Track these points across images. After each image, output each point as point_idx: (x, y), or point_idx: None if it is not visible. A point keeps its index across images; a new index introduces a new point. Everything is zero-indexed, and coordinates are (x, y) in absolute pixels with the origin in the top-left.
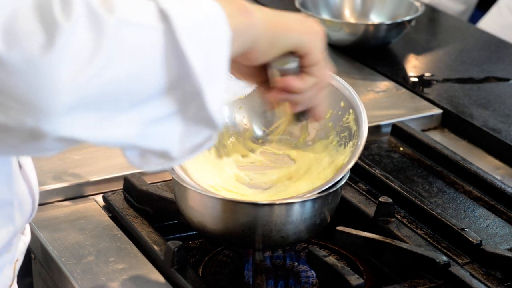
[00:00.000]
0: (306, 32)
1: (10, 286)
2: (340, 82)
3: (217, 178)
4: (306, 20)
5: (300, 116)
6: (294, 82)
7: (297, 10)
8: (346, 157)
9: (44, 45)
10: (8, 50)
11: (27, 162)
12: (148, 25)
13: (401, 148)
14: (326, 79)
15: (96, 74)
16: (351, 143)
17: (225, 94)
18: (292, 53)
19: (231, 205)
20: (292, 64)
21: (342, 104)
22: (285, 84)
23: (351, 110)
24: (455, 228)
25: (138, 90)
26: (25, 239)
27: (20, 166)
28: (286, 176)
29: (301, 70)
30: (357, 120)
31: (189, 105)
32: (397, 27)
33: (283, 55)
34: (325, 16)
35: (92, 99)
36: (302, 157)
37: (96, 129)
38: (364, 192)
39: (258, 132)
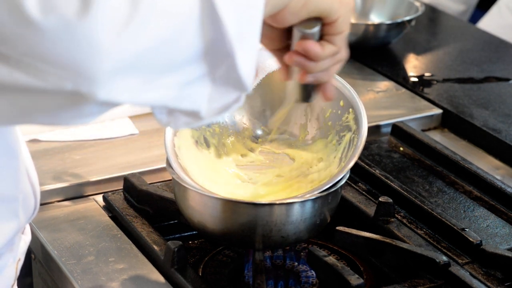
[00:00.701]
0: (338, 0)
1: (12, 286)
2: (340, 82)
3: (217, 178)
4: None
5: (309, 93)
6: (314, 46)
7: None
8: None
9: (80, 10)
10: (44, 15)
11: (28, 161)
12: None
13: (401, 148)
14: (345, 51)
15: (134, 37)
16: (347, 136)
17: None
18: (316, 18)
19: (231, 205)
20: (315, 29)
21: (341, 103)
22: (305, 47)
23: (350, 110)
24: (455, 228)
25: (175, 53)
26: (26, 239)
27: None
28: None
29: (323, 37)
30: (356, 119)
31: (220, 67)
32: (397, 27)
33: (308, 19)
34: None
35: (131, 63)
36: (301, 156)
37: (136, 92)
38: (364, 192)
39: (258, 131)
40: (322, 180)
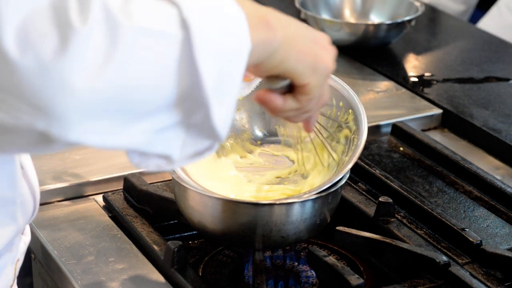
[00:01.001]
0: (313, 67)
1: (11, 286)
2: (339, 83)
3: (216, 179)
4: (325, 52)
5: None
6: (274, 100)
7: (297, 10)
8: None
9: (58, 50)
10: (21, 53)
11: (28, 162)
12: (166, 33)
13: (401, 148)
14: (310, 107)
15: (109, 81)
16: (343, 133)
17: (234, 108)
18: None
19: (231, 205)
20: (280, 85)
21: (341, 104)
22: (265, 98)
23: (350, 110)
24: (455, 228)
25: (149, 99)
26: (26, 239)
27: (21, 166)
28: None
29: (291, 91)
30: (356, 120)
31: (194, 115)
32: (397, 27)
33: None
34: (325, 16)
35: (104, 106)
36: (300, 157)
37: (107, 136)
38: (364, 192)
39: (257, 133)
40: (322, 181)
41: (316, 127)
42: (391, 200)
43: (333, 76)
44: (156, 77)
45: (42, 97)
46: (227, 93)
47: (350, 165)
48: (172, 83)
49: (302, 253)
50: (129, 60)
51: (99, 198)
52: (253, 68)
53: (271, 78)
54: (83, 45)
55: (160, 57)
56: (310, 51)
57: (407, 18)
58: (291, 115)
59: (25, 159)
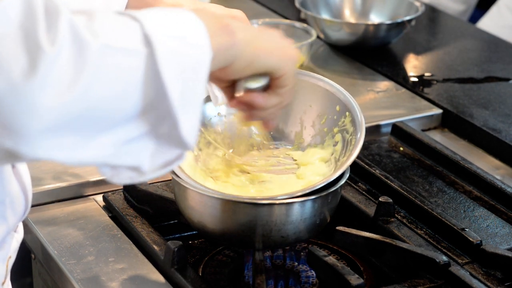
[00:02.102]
0: (283, 57)
1: (3, 283)
2: (334, 86)
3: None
4: (285, 44)
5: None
6: (258, 99)
7: (297, 10)
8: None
9: (26, 71)
10: None
11: None
12: (131, 49)
13: (401, 148)
14: (289, 99)
15: (76, 99)
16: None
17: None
18: (264, 73)
19: (231, 205)
20: (261, 83)
21: (337, 108)
22: (249, 99)
23: (347, 113)
24: (455, 228)
25: (115, 114)
26: (18, 237)
27: (13, 165)
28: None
29: (269, 88)
30: (353, 121)
31: (161, 125)
32: (397, 27)
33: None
34: (325, 16)
35: (70, 123)
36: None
37: (72, 151)
38: (364, 192)
39: (256, 139)
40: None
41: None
42: (391, 200)
43: (329, 81)
44: (122, 92)
45: (10, 117)
46: (192, 102)
47: (346, 165)
48: (137, 97)
49: (302, 253)
50: (96, 78)
51: (99, 198)
52: (223, 72)
53: (248, 79)
54: (51, 66)
55: (126, 73)
56: (276, 45)
57: (407, 18)
58: (272, 111)
59: None
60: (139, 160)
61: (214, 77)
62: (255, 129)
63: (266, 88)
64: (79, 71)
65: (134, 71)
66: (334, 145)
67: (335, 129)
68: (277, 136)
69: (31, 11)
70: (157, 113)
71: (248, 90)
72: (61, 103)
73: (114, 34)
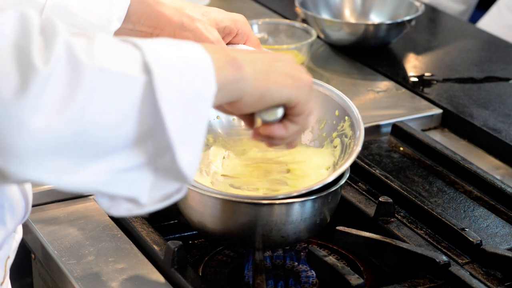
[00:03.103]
0: (296, 86)
1: (2, 283)
2: (334, 92)
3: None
4: (297, 70)
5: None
6: (277, 131)
7: (297, 10)
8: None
9: (18, 89)
10: None
11: None
12: (129, 75)
13: (401, 148)
14: (308, 125)
15: (68, 122)
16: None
17: (201, 149)
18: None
19: (231, 205)
20: (276, 116)
21: (336, 113)
22: (268, 133)
23: (346, 118)
24: (455, 228)
25: (109, 140)
26: (17, 237)
27: None
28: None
29: (286, 117)
30: (352, 125)
31: (160, 158)
32: (397, 27)
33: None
34: (325, 16)
35: (62, 146)
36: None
37: (63, 175)
38: (364, 192)
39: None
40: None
41: None
42: (391, 200)
43: (328, 86)
44: (116, 119)
45: (0, 136)
46: (193, 136)
47: (344, 167)
48: (132, 124)
49: (302, 253)
50: (90, 101)
51: None
52: (234, 107)
53: (263, 112)
54: (43, 85)
55: (122, 99)
56: (286, 76)
57: (407, 18)
58: (294, 138)
59: None
60: (136, 192)
61: (227, 111)
62: None
63: (283, 118)
64: (72, 92)
65: (130, 97)
66: (333, 149)
67: (334, 134)
68: None
69: (26, 29)
70: (154, 144)
71: (266, 123)
72: (53, 124)
73: (112, 59)
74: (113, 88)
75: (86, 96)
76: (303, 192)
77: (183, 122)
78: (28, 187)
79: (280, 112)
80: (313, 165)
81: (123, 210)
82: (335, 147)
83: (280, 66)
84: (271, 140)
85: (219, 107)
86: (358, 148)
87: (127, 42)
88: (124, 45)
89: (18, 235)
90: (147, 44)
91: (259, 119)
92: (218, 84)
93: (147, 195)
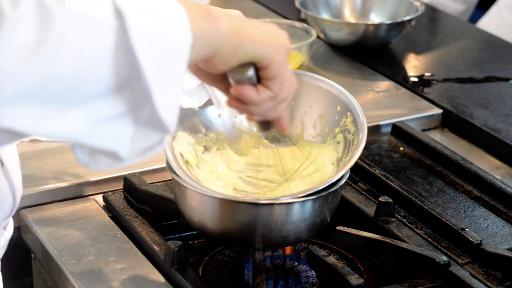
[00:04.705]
0: (271, 45)
1: None
2: (336, 88)
3: (216, 177)
4: (275, 32)
5: (265, 126)
6: (248, 92)
7: (297, 10)
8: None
9: None
10: None
11: (11, 159)
12: (100, 20)
13: (401, 148)
14: (284, 94)
15: (39, 67)
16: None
17: (180, 97)
18: (252, 63)
19: (231, 205)
20: (247, 75)
21: (338, 108)
22: (239, 92)
23: (348, 113)
24: (455, 228)
25: (84, 86)
26: (7, 234)
27: (2, 163)
28: (279, 173)
29: (260, 81)
30: (355, 122)
31: (140, 108)
32: (397, 27)
33: (242, 64)
34: (325, 16)
35: (35, 92)
36: (297, 155)
37: (39, 122)
38: (364, 192)
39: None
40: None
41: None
42: (391, 200)
43: (330, 81)
44: (90, 65)
45: None
46: (170, 83)
47: (350, 165)
48: (107, 71)
49: (302, 253)
50: (61, 45)
51: (99, 198)
52: (209, 64)
53: (235, 71)
54: (12, 30)
55: (93, 44)
56: (262, 32)
57: (407, 18)
58: (269, 107)
59: (8, 156)
60: (116, 143)
61: (203, 73)
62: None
63: (257, 80)
64: (42, 37)
65: (102, 42)
66: (336, 145)
67: (337, 130)
68: (278, 137)
69: None
70: (133, 92)
71: (239, 83)
72: (24, 69)
73: (82, 4)
74: (84, 32)
75: (56, 40)
76: (308, 192)
77: (160, 69)
78: (18, 183)
79: (250, 70)
80: (316, 160)
81: (103, 165)
82: (338, 143)
83: (258, 25)
84: (244, 106)
85: (196, 70)
86: (361, 147)
87: None
88: None
89: (8, 232)
90: None
91: (231, 79)
92: (193, 35)
93: (127, 148)
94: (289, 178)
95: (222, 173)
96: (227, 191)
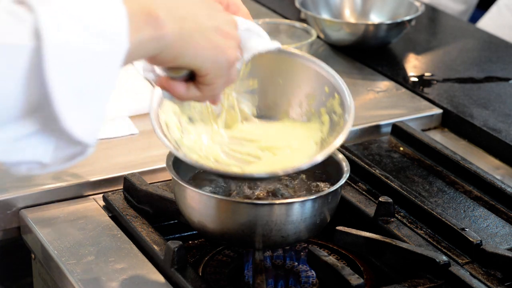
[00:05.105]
0: (213, 60)
1: None
2: (324, 68)
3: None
4: (225, 44)
5: None
6: (177, 88)
7: (297, 10)
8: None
9: None
10: None
11: None
12: (13, 46)
13: (401, 148)
14: (212, 98)
15: None
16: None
17: (104, 113)
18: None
19: (231, 205)
20: (180, 75)
21: (326, 89)
22: (168, 86)
23: (336, 95)
24: (455, 228)
25: None
26: None
27: None
28: (262, 149)
29: (193, 80)
30: (342, 104)
31: (54, 126)
32: (397, 27)
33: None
34: (325, 16)
35: None
36: (282, 131)
37: None
38: (364, 192)
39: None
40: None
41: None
42: (391, 200)
43: (320, 62)
44: (3, 91)
45: None
46: (89, 100)
47: (337, 145)
48: (19, 97)
49: (302, 253)
50: None
51: (99, 198)
52: (151, 60)
53: (170, 68)
54: None
55: (6, 71)
56: (210, 44)
57: (407, 18)
58: (196, 100)
59: None
60: (37, 155)
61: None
62: (244, 104)
63: (192, 77)
64: None
65: (14, 69)
66: (321, 125)
67: (323, 110)
68: (263, 114)
69: None
70: (44, 114)
71: (170, 77)
72: None
73: None
74: None
75: None
76: (287, 172)
77: (77, 88)
78: None
79: (183, 73)
80: (300, 138)
81: (24, 169)
82: (323, 123)
83: (211, 31)
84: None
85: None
86: (347, 129)
87: (22, 5)
88: (16, 11)
89: None
90: (49, 4)
91: (163, 71)
92: (131, 44)
93: (50, 155)
94: (272, 153)
95: (205, 145)
96: (208, 163)
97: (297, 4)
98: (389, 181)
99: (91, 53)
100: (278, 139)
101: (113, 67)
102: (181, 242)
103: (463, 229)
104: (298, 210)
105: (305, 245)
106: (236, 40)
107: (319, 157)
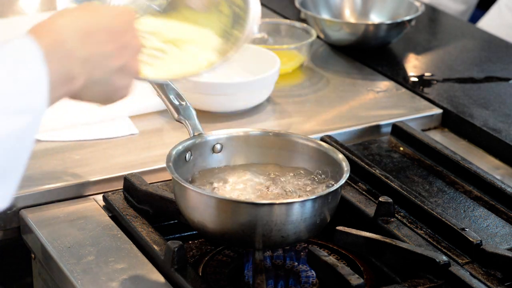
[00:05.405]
0: (106, 98)
1: None
2: None
3: None
4: (125, 77)
5: None
6: None
7: (297, 10)
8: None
9: None
10: None
11: None
12: None
13: (401, 148)
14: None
15: None
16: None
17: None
18: None
19: (231, 205)
20: None
21: None
22: None
23: None
24: (455, 228)
25: None
26: None
27: None
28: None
29: None
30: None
31: None
32: (397, 27)
33: None
34: (325, 16)
35: None
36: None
37: None
38: (364, 192)
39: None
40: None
41: None
42: (391, 200)
43: None
44: None
45: None
46: (6, 175)
47: (243, 40)
48: None
49: (302, 253)
50: None
51: (99, 198)
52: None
53: None
54: None
55: None
56: (107, 90)
57: (407, 18)
58: None
59: None
60: None
61: None
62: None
63: None
64: None
65: None
66: (220, 15)
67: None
68: (159, 3)
69: None
70: None
71: None
72: None
73: None
74: None
75: None
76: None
77: None
78: None
79: None
80: (201, 29)
81: None
82: (222, 12)
83: (114, 74)
84: None
85: None
86: (251, 16)
87: None
88: None
89: None
90: None
91: None
92: (49, 100)
93: None
94: (176, 46)
95: None
96: None
97: (297, 4)
98: (389, 181)
99: (8, 133)
100: (179, 31)
101: (29, 140)
102: (181, 242)
103: (463, 229)
104: (298, 210)
105: (305, 245)
106: (132, 76)
107: (235, 50)
